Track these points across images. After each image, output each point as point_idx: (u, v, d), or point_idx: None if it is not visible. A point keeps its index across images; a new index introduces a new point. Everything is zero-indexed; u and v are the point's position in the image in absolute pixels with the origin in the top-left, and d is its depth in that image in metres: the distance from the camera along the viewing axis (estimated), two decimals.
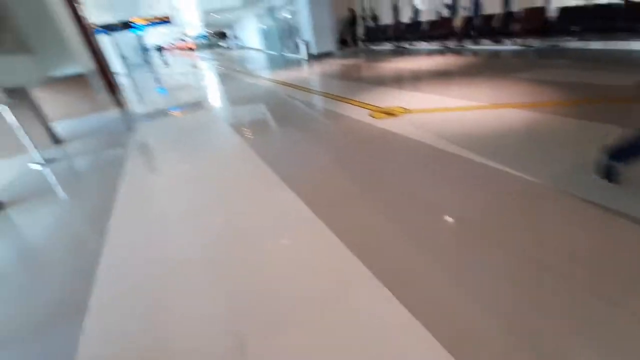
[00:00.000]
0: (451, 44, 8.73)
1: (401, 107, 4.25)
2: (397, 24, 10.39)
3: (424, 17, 9.41)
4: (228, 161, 3.84)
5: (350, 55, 11.39)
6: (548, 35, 6.65)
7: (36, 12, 6.71)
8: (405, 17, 10.17)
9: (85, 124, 6.95)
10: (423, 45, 9.91)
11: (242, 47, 29.13)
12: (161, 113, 6.96)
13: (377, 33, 11.30)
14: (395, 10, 10.41)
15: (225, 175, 3.37)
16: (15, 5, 6.37)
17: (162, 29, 48.78)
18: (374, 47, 11.97)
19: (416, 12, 9.67)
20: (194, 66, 19.06)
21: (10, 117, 4.19)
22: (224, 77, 11.23)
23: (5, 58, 5.30)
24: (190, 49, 41.47)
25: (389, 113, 4.14)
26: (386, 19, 11.14)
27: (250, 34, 24.47)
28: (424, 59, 8.30)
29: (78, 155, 4.84)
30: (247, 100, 6.86)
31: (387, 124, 3.83)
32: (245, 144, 4.10)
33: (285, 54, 15.29)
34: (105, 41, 16.87)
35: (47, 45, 7.00)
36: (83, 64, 7.66)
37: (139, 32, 26.98)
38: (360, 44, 12.66)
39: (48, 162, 4.50)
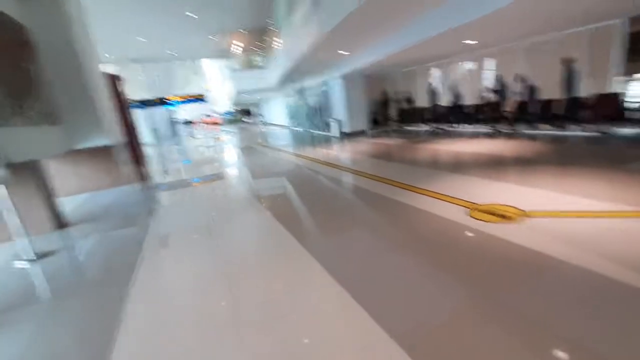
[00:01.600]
0: (502, 127, 8.14)
1: (511, 207, 3.20)
2: (435, 106, 10.14)
3: (467, 101, 9.13)
4: (268, 254, 2.76)
5: (384, 135, 11.00)
6: (628, 121, 5.90)
7: (74, 83, 6.51)
8: (443, 100, 9.96)
9: (101, 200, 6.13)
10: (466, 127, 9.43)
11: (266, 123, 30.45)
12: (185, 184, 6.16)
13: (412, 114, 11.09)
14: (433, 93, 10.27)
15: (268, 274, 2.45)
16: (53, 74, 6.18)
17: (192, 106, 52.98)
18: (408, 128, 11.66)
19: (457, 96, 9.42)
20: (219, 139, 19.40)
21: (3, 196, 3.31)
22: (251, 152, 10.86)
23: (26, 130, 4.72)
24: (216, 123, 44.11)
25: (498, 214, 3.08)
26: (420, 101, 11.04)
27: (276, 111, 25.64)
28: (473, 141, 7.63)
29: (82, 246, 3.82)
30: (283, 179, 6.03)
31: (502, 231, 2.74)
32: (289, 235, 3.05)
33: (313, 131, 15.30)
34: (139, 114, 17.57)
35: (78, 117, 6.64)
36: (112, 136, 7.25)
37: (172, 108, 28.80)
38: (392, 124, 12.46)
39: (40, 256, 3.47)
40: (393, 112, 12.40)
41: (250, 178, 6.72)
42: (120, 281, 2.77)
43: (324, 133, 13.75)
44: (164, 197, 5.81)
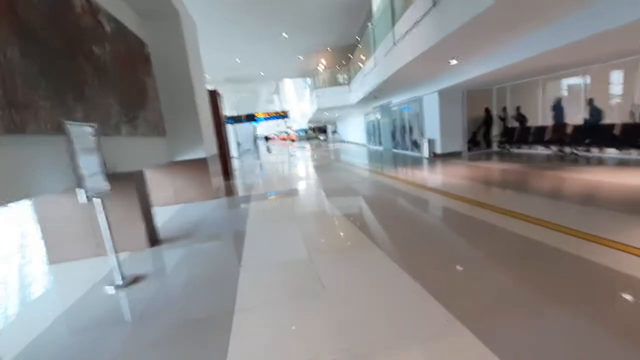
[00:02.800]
0: None
1: None
2: (562, 125, 8.26)
3: (610, 118, 7.15)
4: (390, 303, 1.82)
5: (484, 158, 9.39)
6: None
7: (182, 97, 6.73)
8: (573, 117, 8.04)
9: (193, 212, 6.02)
10: (608, 152, 7.39)
11: (342, 141, 30.26)
12: (264, 197, 5.72)
13: (524, 134, 9.30)
14: (559, 110, 8.42)
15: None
16: (163, 88, 6.45)
17: (271, 123, 56.31)
18: (517, 151, 9.82)
19: (596, 112, 7.48)
20: (294, 155, 19.56)
21: (100, 210, 3.08)
22: (331, 170, 10.28)
23: (134, 140, 4.76)
24: (292, 139, 45.91)
25: None
26: (534, 119, 9.20)
27: (353, 128, 25.20)
28: (634, 171, 5.73)
29: (174, 269, 3.46)
30: (390, 212, 5.13)
31: None
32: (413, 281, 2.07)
33: (397, 150, 14.23)
34: (229, 129, 18.72)
35: (182, 129, 6.82)
36: (209, 150, 7.35)
37: (255, 124, 30.65)
38: (494, 145, 10.72)
39: (128, 282, 3.14)
40: (496, 132, 10.67)
41: (332, 200, 6.01)
42: (221, 309, 2.19)
43: (411, 153, 12.58)
44: (252, 214, 5.43)
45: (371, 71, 10.78)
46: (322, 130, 42.38)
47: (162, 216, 5.98)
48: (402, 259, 3.05)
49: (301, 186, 8.17)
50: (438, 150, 10.64)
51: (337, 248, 3.57)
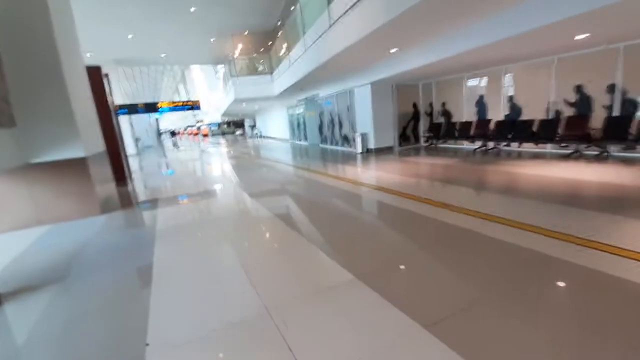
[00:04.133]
0: (583, 147, 6.68)
1: None
2: (484, 121, 8.64)
3: (528, 115, 7.66)
4: None
5: (415, 153, 9.39)
6: None
7: (40, 72, 4.53)
8: (495, 114, 8.48)
9: (62, 240, 4.03)
10: (526, 147, 7.95)
11: (261, 136, 28.55)
12: (175, 202, 4.16)
13: (450, 130, 9.57)
14: (482, 106, 8.79)
15: None
16: (10, 58, 4.20)
17: (177, 115, 50.41)
18: (443, 145, 10.12)
19: (517, 109, 7.96)
20: (206, 151, 17.34)
21: None
22: (256, 168, 8.94)
23: None
24: (204, 135, 41.78)
25: None
26: (459, 115, 9.55)
27: (274, 122, 23.85)
28: (558, 164, 6.09)
29: None
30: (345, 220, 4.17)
31: None
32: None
33: (325, 146, 13.55)
34: (123, 121, 15.36)
35: (43, 118, 4.62)
36: (90, 146, 5.23)
37: (158, 115, 26.51)
38: (422, 140, 10.90)
39: None
40: (423, 128, 10.87)
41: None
42: None
43: (342, 148, 12.03)
44: (160, 234, 3.80)
45: (299, 58, 9.72)
46: (239, 124, 39.63)
47: (9, 249, 3.83)
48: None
49: (221, 190, 6.64)
50: (371, 145, 10.27)
51: (304, 290, 2.42)
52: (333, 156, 10.56)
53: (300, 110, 16.45)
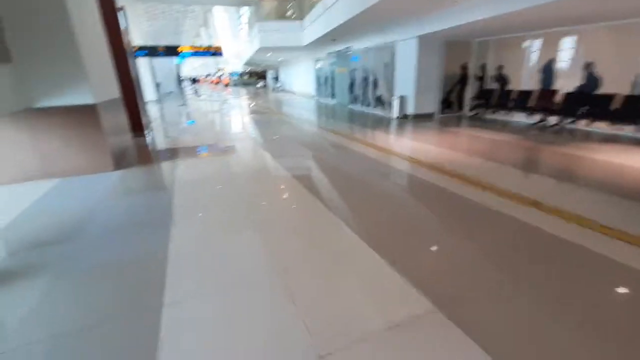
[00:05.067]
0: None
1: None
2: (548, 91, 7.37)
3: (607, 88, 6.39)
4: None
5: (461, 123, 8.31)
6: None
7: (43, 5, 3.77)
8: (564, 83, 7.16)
9: (68, 202, 3.56)
10: (600, 126, 6.74)
11: (283, 90, 27.24)
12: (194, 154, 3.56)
13: (504, 99, 8.33)
14: (547, 73, 7.44)
15: None
16: None
17: (198, 61, 48.86)
18: (491, 117, 8.92)
19: (594, 80, 6.64)
20: (228, 103, 16.52)
21: None
22: (276, 124, 8.16)
23: None
24: (225, 84, 40.50)
25: None
26: (517, 82, 8.22)
27: (299, 76, 22.44)
28: None
29: None
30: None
31: None
32: None
33: (354, 107, 12.47)
34: (142, 64, 14.58)
35: (46, 55, 3.94)
36: (101, 91, 4.58)
37: (179, 61, 25.46)
38: (466, 109, 9.68)
39: None
40: (470, 95, 9.58)
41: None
42: None
43: (374, 111, 10.96)
44: (178, 203, 3.25)
45: (337, 1, 8.39)
46: (261, 75, 37.97)
47: (10, 206, 3.40)
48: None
49: (244, 148, 5.97)
50: (409, 110, 9.20)
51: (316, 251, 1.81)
52: (364, 120, 9.59)
53: (329, 64, 15.07)
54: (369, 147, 5.96)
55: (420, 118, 9.09)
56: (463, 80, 9.46)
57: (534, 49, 7.74)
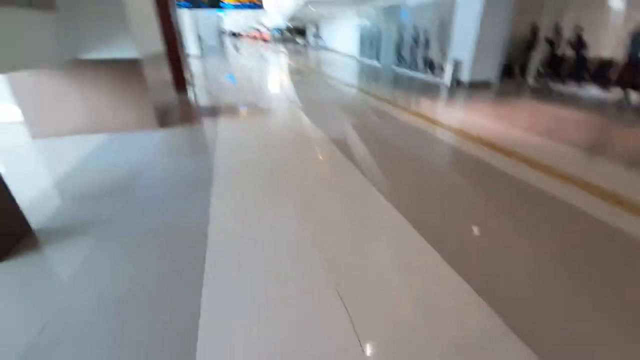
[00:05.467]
0: None
1: None
2: (637, 63, 6.21)
3: None
4: None
5: (523, 94, 7.37)
6: None
7: None
8: None
9: (117, 158, 3.65)
10: None
11: (323, 48, 26.01)
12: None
13: (578, 68, 7.19)
14: (638, 41, 6.21)
15: None
16: None
17: (240, 15, 47.74)
18: (560, 89, 7.81)
19: None
20: (268, 60, 16.07)
21: None
22: (320, 86, 7.76)
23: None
24: (265, 39, 39.46)
25: None
26: (596, 48, 6.98)
27: (341, 34, 21.17)
28: None
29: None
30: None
31: None
32: None
33: (400, 70, 11.58)
34: (184, 17, 14.39)
35: (89, 8, 3.86)
36: (144, 44, 4.50)
37: (221, 13, 24.87)
38: (530, 79, 8.55)
39: None
40: (537, 62, 8.38)
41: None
42: None
43: (423, 76, 10.09)
44: (221, 171, 3.21)
45: None
46: (301, 32, 36.38)
47: (64, 160, 3.55)
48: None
49: (287, 110, 5.76)
50: (464, 77, 8.32)
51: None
52: (412, 85, 8.87)
53: (376, 21, 13.89)
54: (417, 116, 5.49)
55: (476, 86, 8.21)
56: (531, 43, 8.26)
57: (625, 9, 6.42)
